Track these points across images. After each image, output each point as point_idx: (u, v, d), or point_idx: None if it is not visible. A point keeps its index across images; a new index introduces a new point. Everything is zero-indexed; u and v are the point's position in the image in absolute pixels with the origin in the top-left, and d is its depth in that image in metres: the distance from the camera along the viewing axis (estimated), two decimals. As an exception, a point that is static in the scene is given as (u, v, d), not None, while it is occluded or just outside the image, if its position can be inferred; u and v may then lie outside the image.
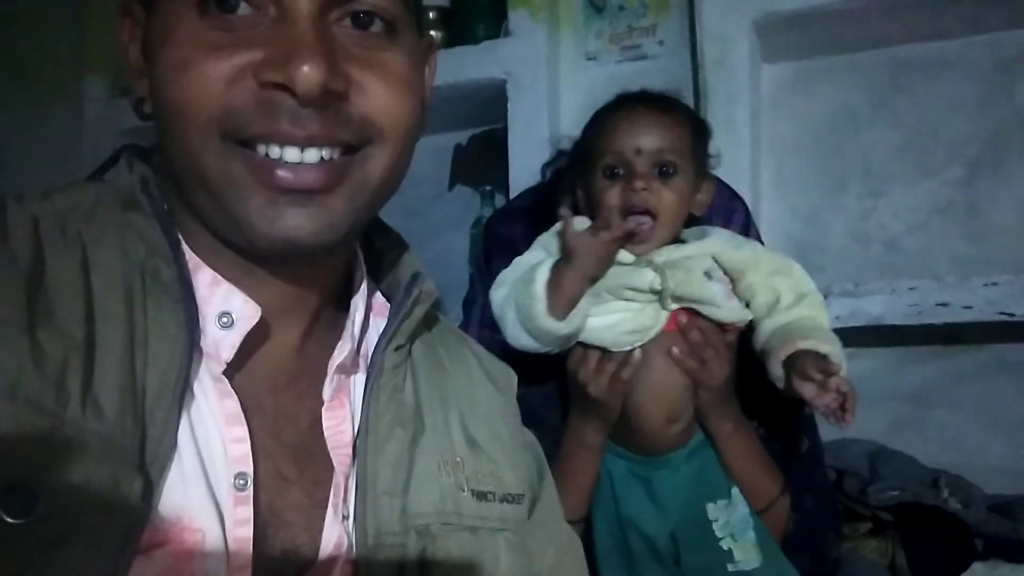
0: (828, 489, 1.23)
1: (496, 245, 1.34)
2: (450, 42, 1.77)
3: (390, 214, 0.78)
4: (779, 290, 1.06)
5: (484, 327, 1.29)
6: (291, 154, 0.57)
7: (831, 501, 1.21)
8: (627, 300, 1.04)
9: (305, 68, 0.54)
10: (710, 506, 1.06)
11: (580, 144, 1.13)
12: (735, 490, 1.07)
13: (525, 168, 1.62)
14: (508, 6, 1.70)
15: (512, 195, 1.59)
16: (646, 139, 1.04)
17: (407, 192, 2.00)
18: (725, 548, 1.04)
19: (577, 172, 1.12)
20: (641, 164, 1.03)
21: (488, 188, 1.83)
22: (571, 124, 1.69)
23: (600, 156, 1.06)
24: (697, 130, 1.10)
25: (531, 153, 1.64)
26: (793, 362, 0.99)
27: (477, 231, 1.73)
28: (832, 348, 1.00)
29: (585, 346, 1.07)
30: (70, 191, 0.63)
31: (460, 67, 1.69)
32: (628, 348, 1.05)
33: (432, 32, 1.75)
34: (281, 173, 0.57)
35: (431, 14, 1.77)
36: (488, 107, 1.75)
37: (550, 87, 1.69)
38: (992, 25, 1.55)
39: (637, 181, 1.03)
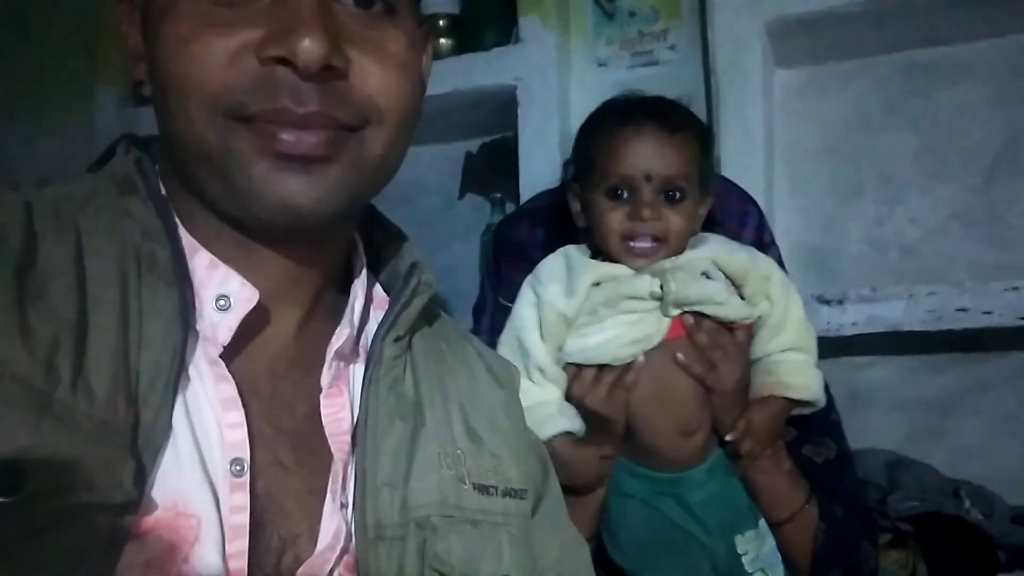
0: (859, 497, 1.18)
1: (506, 249, 1.32)
2: (460, 49, 1.75)
3: (400, 223, 0.77)
4: (771, 300, 1.04)
5: (495, 333, 1.28)
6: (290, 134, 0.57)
7: (863, 509, 1.15)
8: (625, 312, 1.00)
9: (306, 42, 0.54)
10: (739, 538, 1.01)
11: (580, 153, 1.06)
12: (763, 521, 1.03)
13: (535, 175, 1.60)
14: (518, 13, 1.69)
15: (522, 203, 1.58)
16: (656, 164, 0.97)
17: (417, 201, 1.99)
18: None
19: (576, 179, 1.06)
20: (649, 191, 0.97)
21: (498, 196, 1.81)
22: (582, 131, 1.68)
23: (604, 176, 0.99)
24: (705, 146, 1.04)
25: (541, 160, 1.63)
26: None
27: (487, 239, 1.72)
28: (806, 383, 1.02)
29: (580, 366, 1.01)
30: (66, 181, 0.63)
31: (470, 74, 1.68)
32: (629, 359, 0.99)
33: (442, 40, 1.75)
34: (284, 136, 0.56)
35: (441, 22, 1.76)
36: (498, 114, 1.74)
37: (561, 93, 1.67)
38: (1008, 28, 1.53)
39: (645, 210, 0.97)
